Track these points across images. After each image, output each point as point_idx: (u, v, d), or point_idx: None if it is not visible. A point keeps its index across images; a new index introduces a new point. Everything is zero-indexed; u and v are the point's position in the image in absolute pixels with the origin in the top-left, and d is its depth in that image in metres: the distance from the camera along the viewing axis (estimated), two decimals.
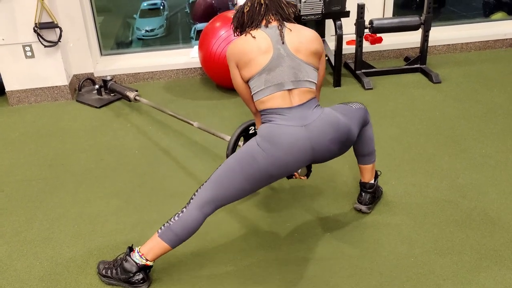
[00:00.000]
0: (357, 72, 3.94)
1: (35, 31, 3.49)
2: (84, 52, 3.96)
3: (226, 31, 3.57)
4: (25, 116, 3.62)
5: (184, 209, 1.89)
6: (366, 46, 4.25)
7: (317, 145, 1.89)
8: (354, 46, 3.92)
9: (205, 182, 1.92)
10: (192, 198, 1.91)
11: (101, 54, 4.23)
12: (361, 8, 3.69)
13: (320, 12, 3.59)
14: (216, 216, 2.06)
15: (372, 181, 2.33)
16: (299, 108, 1.91)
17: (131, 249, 1.97)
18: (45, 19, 3.50)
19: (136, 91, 3.62)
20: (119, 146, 3.11)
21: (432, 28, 3.85)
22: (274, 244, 2.19)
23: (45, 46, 3.56)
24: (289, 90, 1.92)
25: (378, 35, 4.32)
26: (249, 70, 1.94)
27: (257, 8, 1.98)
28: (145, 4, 4.64)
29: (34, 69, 3.66)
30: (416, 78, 3.92)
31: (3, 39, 3.53)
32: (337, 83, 3.84)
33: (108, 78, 3.79)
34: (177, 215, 1.89)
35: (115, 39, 4.60)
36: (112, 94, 3.80)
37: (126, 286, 1.96)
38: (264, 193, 2.55)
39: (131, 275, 1.93)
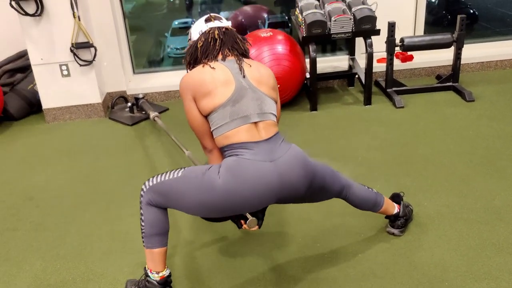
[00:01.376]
0: (388, 90, 3.91)
1: (71, 50, 3.60)
2: (117, 71, 4.06)
3: (255, 50, 3.61)
4: (60, 133, 3.72)
5: (141, 215, 1.87)
6: (397, 64, 4.22)
7: (285, 182, 1.77)
8: (385, 64, 3.89)
9: (154, 182, 1.83)
10: (141, 201, 1.86)
11: (134, 72, 4.33)
12: (391, 26, 3.68)
13: (351, 30, 3.58)
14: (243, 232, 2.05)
15: (396, 211, 2.28)
16: (267, 143, 1.80)
17: (146, 269, 1.97)
18: (81, 39, 3.61)
19: (166, 109, 3.68)
20: (150, 163, 3.15)
21: (464, 45, 3.80)
22: (305, 265, 2.17)
23: (81, 65, 3.66)
24: (255, 123, 1.82)
25: (409, 53, 4.28)
26: (210, 102, 1.81)
27: (211, 43, 1.92)
28: (176, 23, 4.74)
29: (70, 87, 3.77)
30: (449, 96, 3.85)
31: (41, 59, 3.66)
32: (367, 101, 3.81)
33: (140, 96, 3.87)
34: (141, 221, 1.87)
35: (148, 58, 4.70)
36: (142, 112, 3.87)
37: None
38: (294, 212, 2.53)
39: None
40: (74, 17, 3.51)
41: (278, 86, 2.03)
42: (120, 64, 4.05)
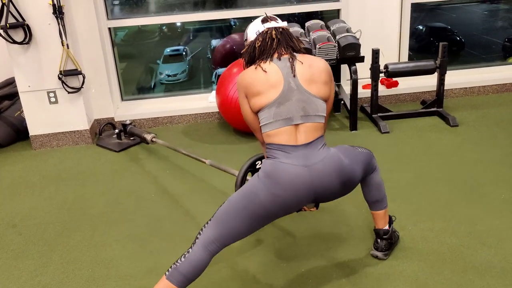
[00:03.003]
0: (373, 115, 3.96)
1: (59, 78, 3.62)
2: (105, 98, 4.09)
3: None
4: (47, 160, 3.71)
5: (190, 249, 1.89)
6: (383, 90, 4.29)
7: (319, 188, 1.90)
8: (370, 90, 3.95)
9: (210, 220, 1.92)
10: (197, 238, 1.90)
11: (122, 99, 4.36)
12: (376, 53, 3.75)
13: (335, 57, 3.65)
14: (229, 259, 2.04)
15: (387, 227, 2.30)
16: (304, 148, 1.91)
17: None
18: (70, 66, 3.64)
19: (155, 135, 3.69)
20: (137, 190, 3.15)
21: (448, 71, 3.88)
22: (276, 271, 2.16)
23: (69, 92, 3.68)
24: (297, 125, 1.92)
25: (394, 79, 4.36)
26: (258, 102, 1.94)
27: (269, 43, 2.01)
28: (168, 50, 4.79)
29: (57, 114, 3.79)
30: (433, 121, 3.91)
31: (29, 86, 3.68)
32: (353, 127, 3.85)
33: (128, 122, 3.88)
34: (183, 255, 1.89)
35: (137, 84, 4.74)
36: (131, 138, 3.88)
37: None
38: (278, 237, 2.53)
39: None
40: (63, 45, 3.54)
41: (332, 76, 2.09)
42: (108, 91, 4.08)
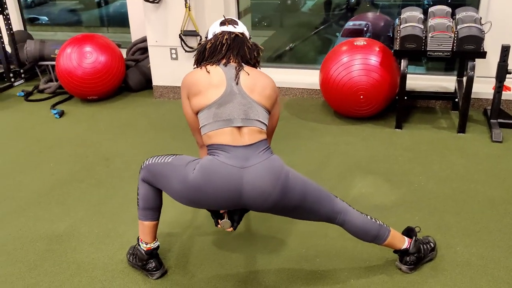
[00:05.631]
0: (491, 120, 3.49)
1: (180, 37, 3.97)
2: None
3: (348, 57, 3.54)
4: (159, 108, 4.15)
5: (138, 188, 2.05)
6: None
7: (249, 190, 1.80)
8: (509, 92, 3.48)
9: (149, 162, 2.00)
10: (139, 172, 2.04)
11: None
12: (505, 50, 3.27)
13: (450, 49, 3.29)
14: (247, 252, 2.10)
15: (405, 245, 2.09)
16: (245, 149, 1.84)
17: (138, 238, 2.16)
18: (190, 27, 3.96)
19: None
20: None
21: None
22: (292, 276, 2.15)
23: (186, 51, 4.02)
24: (238, 127, 1.86)
25: None
26: (198, 102, 1.91)
27: (219, 47, 1.98)
28: (350, 24, 4.65)
29: (176, 70, 4.17)
30: None
31: (156, 41, 4.11)
32: (461, 129, 3.46)
33: None
34: (137, 194, 2.06)
35: (273, 53, 4.87)
36: None
37: (143, 272, 2.16)
38: (312, 225, 2.49)
39: (144, 262, 2.12)
40: (186, 7, 3.86)
41: (278, 97, 2.04)
42: None
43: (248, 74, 1.95)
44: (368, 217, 2.04)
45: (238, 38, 2.02)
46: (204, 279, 2.14)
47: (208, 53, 2.01)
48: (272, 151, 1.93)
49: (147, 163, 2.03)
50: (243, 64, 1.98)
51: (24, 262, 2.28)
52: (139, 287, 2.10)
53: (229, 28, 2.04)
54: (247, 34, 2.08)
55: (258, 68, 2.07)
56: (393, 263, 2.18)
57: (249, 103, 1.90)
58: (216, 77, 1.92)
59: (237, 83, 1.92)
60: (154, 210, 2.07)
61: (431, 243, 2.20)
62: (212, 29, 2.09)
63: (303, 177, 1.94)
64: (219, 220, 2.02)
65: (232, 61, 1.98)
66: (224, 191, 1.81)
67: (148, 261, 2.12)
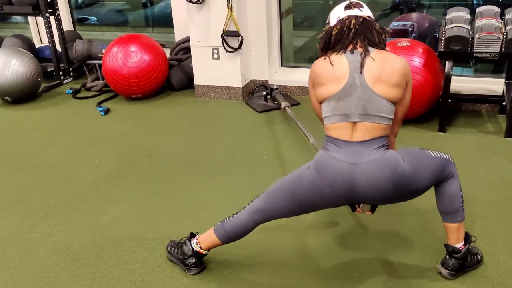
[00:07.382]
0: None
1: (222, 37, 4.02)
2: (263, 61, 4.36)
3: None
4: (201, 107, 4.21)
5: (239, 212, 2.05)
6: None
7: (362, 188, 1.81)
8: None
9: (262, 192, 2.03)
10: (248, 204, 2.05)
11: (281, 64, 4.58)
12: None
13: (498, 51, 3.19)
14: (298, 229, 2.11)
15: (459, 245, 2.05)
16: (358, 145, 1.83)
17: (193, 235, 2.20)
18: (232, 28, 4.00)
19: (298, 103, 3.86)
20: (254, 149, 3.38)
21: None
22: None
23: (227, 51, 4.06)
24: (354, 122, 1.85)
25: None
26: (321, 93, 1.91)
27: (346, 32, 1.89)
28: (395, 24, 4.54)
29: (217, 70, 4.22)
30: None
31: (198, 41, 4.18)
32: (508, 134, 3.35)
33: (274, 87, 4.11)
34: (232, 215, 2.06)
35: (314, 54, 4.83)
36: (275, 102, 4.10)
37: (181, 266, 2.20)
38: (351, 224, 2.47)
39: (186, 257, 2.16)
40: (228, 7, 3.90)
41: (410, 80, 1.93)
42: (266, 55, 4.34)
43: (374, 60, 1.84)
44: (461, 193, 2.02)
45: (365, 22, 1.91)
46: (241, 278, 2.16)
47: (334, 40, 1.92)
48: (388, 147, 1.87)
49: (256, 203, 2.03)
50: (369, 49, 1.87)
51: (68, 253, 2.37)
52: (177, 282, 2.15)
53: (355, 11, 1.93)
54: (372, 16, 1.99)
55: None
56: (432, 270, 2.13)
57: (370, 97, 1.82)
58: (340, 68, 1.85)
59: (361, 72, 1.83)
60: (231, 240, 2.09)
61: (478, 255, 2.15)
62: (336, 13, 1.99)
63: (421, 154, 1.92)
64: (356, 205, 2.05)
65: (359, 47, 1.87)
66: (337, 187, 1.83)
67: (189, 257, 2.16)
